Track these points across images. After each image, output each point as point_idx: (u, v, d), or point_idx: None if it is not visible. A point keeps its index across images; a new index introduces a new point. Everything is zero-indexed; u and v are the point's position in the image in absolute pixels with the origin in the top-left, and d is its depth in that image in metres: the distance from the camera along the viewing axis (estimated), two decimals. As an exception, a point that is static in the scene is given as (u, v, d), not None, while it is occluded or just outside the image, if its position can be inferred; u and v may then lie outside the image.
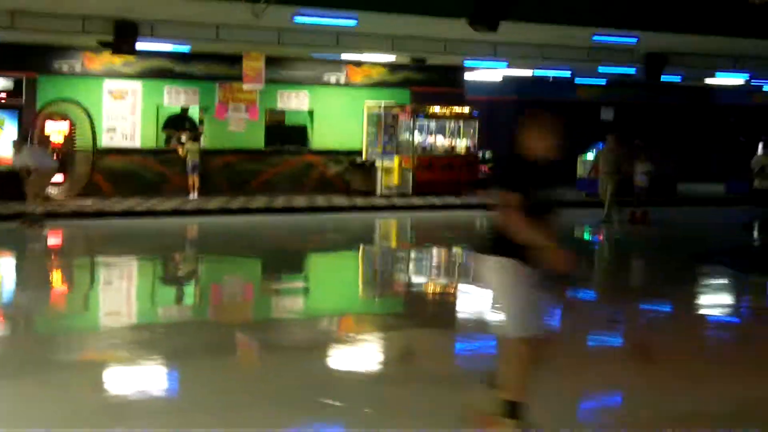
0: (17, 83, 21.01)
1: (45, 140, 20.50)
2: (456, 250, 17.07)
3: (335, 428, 6.44)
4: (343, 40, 20.12)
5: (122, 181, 21.73)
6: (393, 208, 21.55)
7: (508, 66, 24.01)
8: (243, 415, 6.40)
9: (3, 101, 20.96)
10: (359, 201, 22.08)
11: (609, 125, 27.94)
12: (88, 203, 20.06)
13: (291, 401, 6.71)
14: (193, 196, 21.58)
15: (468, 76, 26.42)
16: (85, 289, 12.47)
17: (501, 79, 28.75)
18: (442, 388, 7.11)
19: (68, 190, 20.73)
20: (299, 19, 17.63)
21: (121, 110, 22.01)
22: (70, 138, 20.96)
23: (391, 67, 24.58)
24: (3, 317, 10.20)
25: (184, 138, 22.39)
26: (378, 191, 23.04)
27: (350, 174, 23.84)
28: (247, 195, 22.58)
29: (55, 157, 20.41)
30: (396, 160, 23.16)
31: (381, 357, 8.52)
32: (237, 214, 19.88)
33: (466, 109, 24.60)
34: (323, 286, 13.15)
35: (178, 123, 23.09)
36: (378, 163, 23.31)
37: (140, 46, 18.69)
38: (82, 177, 20.95)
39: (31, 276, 13.39)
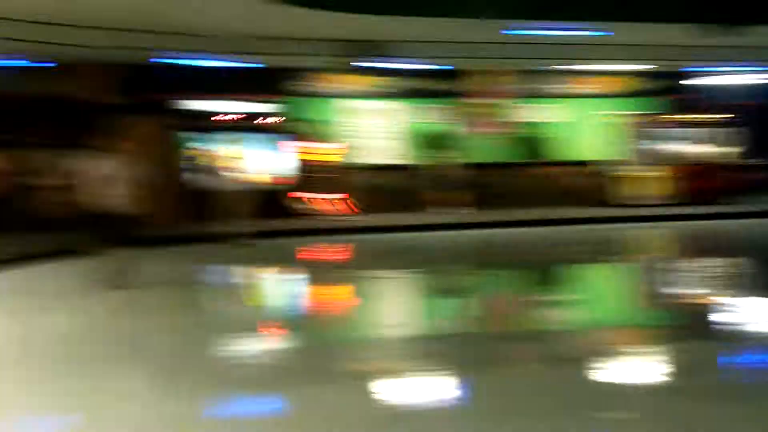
0: (274, 106, 21.95)
1: (304, 160, 21.43)
2: (732, 260, 16.37)
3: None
4: (584, 51, 20.07)
5: (380, 198, 22.37)
6: (648, 218, 21.13)
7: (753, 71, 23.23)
8: (524, 425, 6.47)
9: (259, 124, 21.91)
10: (612, 212, 21.82)
11: None
12: (351, 219, 20.84)
13: (571, 413, 6.73)
14: (453, 210, 21.95)
15: (712, 81, 25.62)
16: (362, 302, 12.93)
17: (747, 84, 27.70)
18: (728, 402, 6.97)
19: (331, 207, 21.52)
20: (540, 32, 17.68)
21: (374, 129, 22.69)
22: (328, 158, 21.73)
23: (636, 76, 24.20)
24: (289, 328, 10.77)
25: (438, 154, 22.78)
26: (630, 201, 22.71)
27: (601, 184, 23.58)
28: (502, 207, 22.76)
29: (315, 176, 21.42)
30: (647, 169, 22.73)
31: (662, 369, 8.38)
32: (495, 227, 20.09)
33: (719, 115, 23.81)
34: (592, 298, 13.06)
35: (431, 140, 23.50)
36: (628, 173, 22.97)
37: (391, 65, 19.25)
38: (343, 195, 21.68)
39: (313, 289, 14.19)
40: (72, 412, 7.13)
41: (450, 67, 22.09)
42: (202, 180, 17.46)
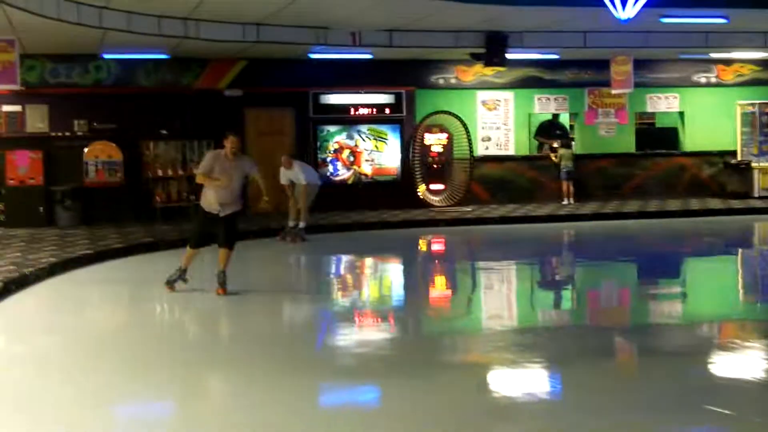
0: (397, 97, 22.13)
1: (425, 151, 21.64)
2: None
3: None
4: (712, 38, 19.67)
5: (498, 189, 22.48)
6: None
7: None
8: (624, 418, 6.48)
9: (385, 116, 22.10)
10: (735, 203, 21.43)
11: None
12: (468, 210, 20.94)
13: (672, 406, 6.70)
14: (567, 201, 21.94)
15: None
16: (468, 293, 13.03)
17: None
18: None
19: (448, 198, 21.71)
20: (666, 20, 17.42)
21: (494, 120, 22.75)
22: (448, 148, 21.91)
23: (765, 64, 23.64)
24: (394, 319, 10.85)
25: (556, 144, 22.76)
26: (755, 193, 22.24)
27: (724, 176, 23.15)
28: (620, 199, 22.63)
29: (434, 167, 21.63)
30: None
31: (763, 364, 8.21)
32: (610, 219, 19.95)
33: None
34: (701, 291, 12.90)
35: (549, 130, 23.46)
36: (754, 164, 22.50)
37: (510, 56, 19.28)
38: (460, 185, 21.84)
39: (418, 280, 14.31)
40: (184, 399, 7.44)
41: (568, 58, 21.98)
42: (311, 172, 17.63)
